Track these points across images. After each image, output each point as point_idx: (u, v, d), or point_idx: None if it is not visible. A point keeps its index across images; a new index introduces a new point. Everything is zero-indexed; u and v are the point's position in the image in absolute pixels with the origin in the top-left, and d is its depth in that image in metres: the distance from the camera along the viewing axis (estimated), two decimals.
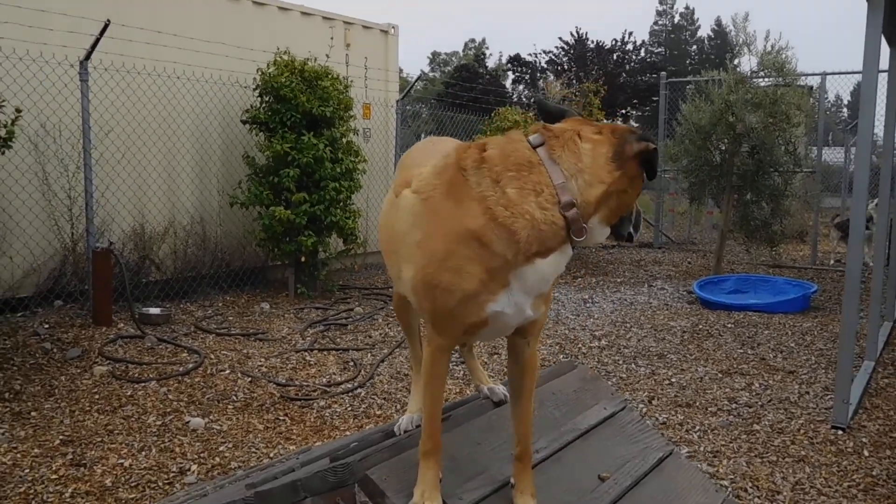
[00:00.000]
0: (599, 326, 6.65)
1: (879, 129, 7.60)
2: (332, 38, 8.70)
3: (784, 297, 7.53)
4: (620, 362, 5.57)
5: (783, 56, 8.94)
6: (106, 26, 5.91)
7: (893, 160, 6.80)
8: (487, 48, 56.99)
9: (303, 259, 7.24)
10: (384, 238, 2.03)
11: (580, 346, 6.04)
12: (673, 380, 5.15)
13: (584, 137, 1.65)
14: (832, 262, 10.57)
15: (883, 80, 5.74)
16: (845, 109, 21.04)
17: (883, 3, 4.31)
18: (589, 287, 8.57)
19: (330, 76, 7.41)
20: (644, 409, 4.55)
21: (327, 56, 7.88)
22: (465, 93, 19.05)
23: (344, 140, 7.56)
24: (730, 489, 3.48)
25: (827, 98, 12.20)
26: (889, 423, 4.36)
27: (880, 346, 5.92)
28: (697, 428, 4.26)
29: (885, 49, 5.64)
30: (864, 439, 4.11)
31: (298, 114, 7.04)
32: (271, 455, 3.73)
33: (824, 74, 10.70)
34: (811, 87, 11.87)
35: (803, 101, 9.16)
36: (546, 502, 1.78)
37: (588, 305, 7.60)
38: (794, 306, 7.40)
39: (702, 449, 3.97)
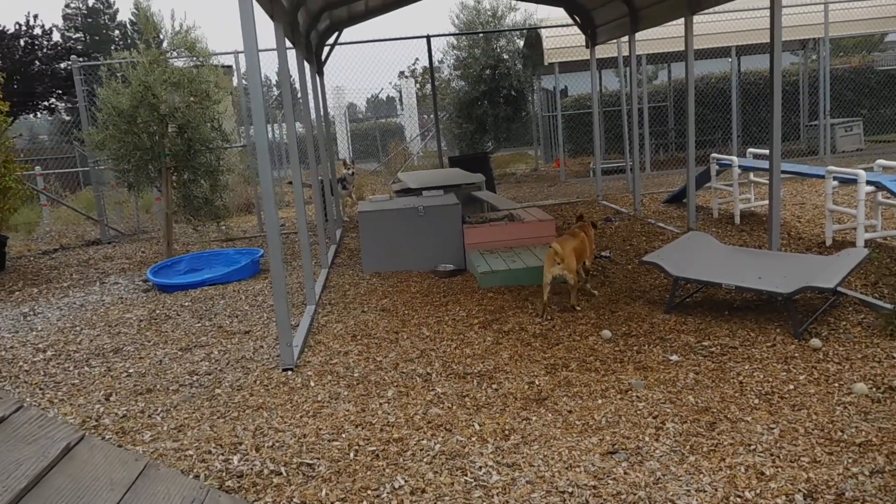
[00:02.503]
0: (44, 337, 5.92)
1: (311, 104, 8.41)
2: None
3: (236, 266, 7.88)
4: (71, 368, 5.05)
5: (192, 36, 9.13)
6: None
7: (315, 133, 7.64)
8: None
9: None
10: None
11: (20, 363, 5.27)
12: (131, 370, 4.91)
13: None
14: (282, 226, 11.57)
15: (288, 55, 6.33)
16: (275, 88, 22.83)
17: None
18: (30, 299, 7.53)
19: None
20: (101, 409, 4.23)
21: None
22: None
23: None
24: (194, 455, 3.48)
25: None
26: (329, 353, 4.97)
27: (318, 291, 6.71)
28: (160, 410, 4.16)
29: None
30: (309, 372, 4.59)
31: None
32: None
33: (236, 53, 11.36)
34: (228, 66, 12.52)
35: (221, 80, 9.57)
36: None
37: (30, 318, 6.69)
38: (246, 272, 7.83)
39: (166, 428, 3.88)
